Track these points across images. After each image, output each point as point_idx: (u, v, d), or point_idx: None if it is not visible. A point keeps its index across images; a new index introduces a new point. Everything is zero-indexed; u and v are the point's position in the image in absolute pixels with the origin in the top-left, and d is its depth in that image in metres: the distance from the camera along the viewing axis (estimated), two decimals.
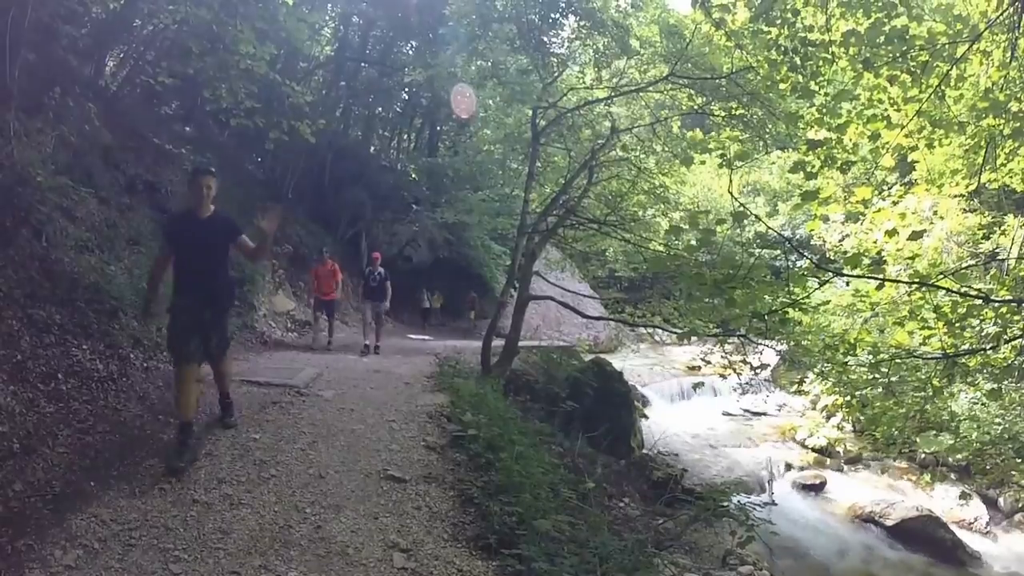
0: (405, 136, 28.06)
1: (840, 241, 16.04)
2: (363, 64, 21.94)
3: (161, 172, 11.03)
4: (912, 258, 8.11)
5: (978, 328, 6.43)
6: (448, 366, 9.88)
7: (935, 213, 14.32)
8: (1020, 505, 12.14)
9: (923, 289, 6.27)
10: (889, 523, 11.33)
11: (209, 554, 3.87)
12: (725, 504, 7.39)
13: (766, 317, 5.06)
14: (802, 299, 5.24)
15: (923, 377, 7.28)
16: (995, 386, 8.22)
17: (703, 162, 9.67)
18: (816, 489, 13.30)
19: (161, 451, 5.19)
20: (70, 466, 4.79)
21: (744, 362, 10.02)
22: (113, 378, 6.22)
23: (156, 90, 11.19)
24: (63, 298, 6.41)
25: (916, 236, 6.05)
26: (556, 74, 13.29)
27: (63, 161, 7.98)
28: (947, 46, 6.50)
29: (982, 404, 11.69)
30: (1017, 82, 7.12)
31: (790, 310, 5.14)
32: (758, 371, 10.25)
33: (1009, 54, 6.79)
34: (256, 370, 8.25)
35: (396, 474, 5.27)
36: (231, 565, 3.78)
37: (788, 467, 14.36)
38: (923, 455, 13.79)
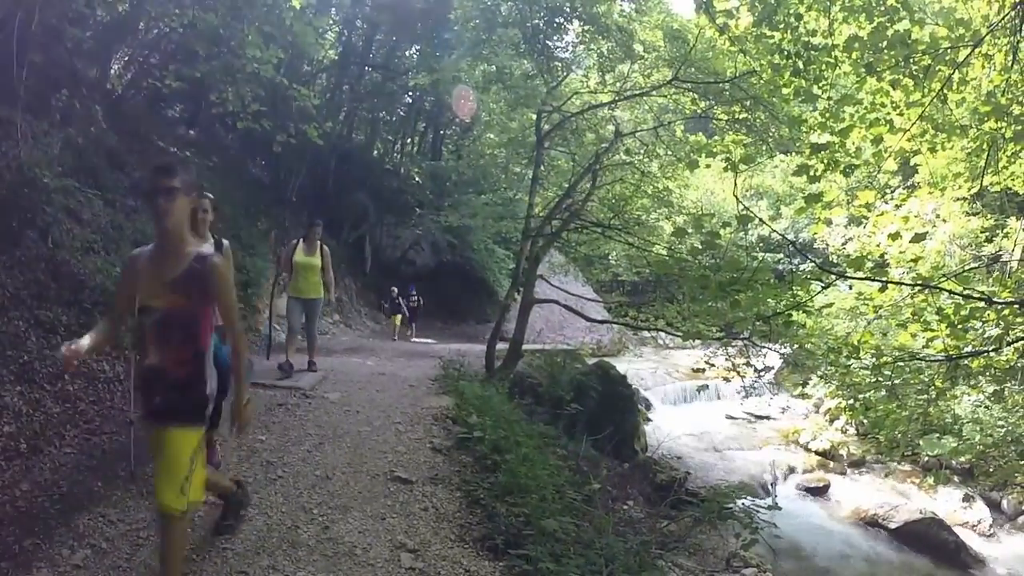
0: (409, 140, 28.01)
1: (843, 244, 16.04)
2: (367, 68, 21.95)
3: None
4: (915, 261, 8.12)
5: (981, 330, 6.43)
6: (452, 369, 9.87)
7: (938, 216, 14.33)
8: (1023, 507, 12.14)
9: (926, 292, 6.28)
10: (892, 526, 11.31)
11: (217, 554, 3.91)
12: (729, 507, 7.41)
13: (770, 320, 5.08)
14: (806, 302, 5.26)
15: (926, 380, 7.28)
16: (998, 388, 8.23)
17: (708, 166, 9.70)
18: (819, 492, 13.28)
19: None
20: (77, 466, 4.84)
21: (748, 365, 10.04)
22: (119, 379, 6.24)
23: (162, 93, 11.22)
24: (69, 299, 6.43)
25: (919, 239, 6.06)
26: (560, 78, 13.30)
27: (69, 163, 7.99)
28: (949, 50, 6.53)
29: (985, 406, 11.65)
30: (1019, 85, 7.12)
31: (794, 313, 5.16)
32: (761, 374, 10.25)
33: (1011, 58, 6.80)
34: (261, 372, 8.25)
35: (403, 475, 5.31)
36: (239, 565, 3.81)
37: (791, 470, 14.33)
38: (926, 458, 13.74)
